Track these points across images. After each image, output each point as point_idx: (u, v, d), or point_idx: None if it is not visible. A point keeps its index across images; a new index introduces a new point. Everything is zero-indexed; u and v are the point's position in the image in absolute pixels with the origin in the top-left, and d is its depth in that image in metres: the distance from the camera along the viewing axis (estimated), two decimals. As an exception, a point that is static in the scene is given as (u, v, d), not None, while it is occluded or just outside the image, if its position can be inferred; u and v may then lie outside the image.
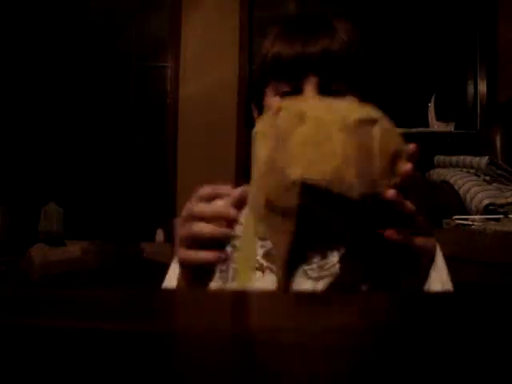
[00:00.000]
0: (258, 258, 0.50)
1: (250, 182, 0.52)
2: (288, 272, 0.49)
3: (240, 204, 0.54)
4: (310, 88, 0.69)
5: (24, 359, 0.21)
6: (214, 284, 0.56)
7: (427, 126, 2.96)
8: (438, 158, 2.27)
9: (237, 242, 0.55)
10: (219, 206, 0.55)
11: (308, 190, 0.47)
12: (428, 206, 0.55)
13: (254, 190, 0.51)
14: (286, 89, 0.71)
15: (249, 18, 3.19)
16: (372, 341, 0.24)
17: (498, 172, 2.03)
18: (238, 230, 0.55)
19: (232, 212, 0.54)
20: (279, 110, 0.51)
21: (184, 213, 0.57)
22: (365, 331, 0.26)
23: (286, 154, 0.48)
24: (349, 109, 0.50)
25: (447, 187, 2.02)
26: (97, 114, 3.35)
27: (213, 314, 0.30)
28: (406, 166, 0.50)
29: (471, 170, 2.07)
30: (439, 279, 0.65)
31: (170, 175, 3.20)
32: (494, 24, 3.09)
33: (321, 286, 0.67)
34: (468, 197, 1.90)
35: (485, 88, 3.11)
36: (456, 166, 2.15)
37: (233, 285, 0.68)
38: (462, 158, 2.15)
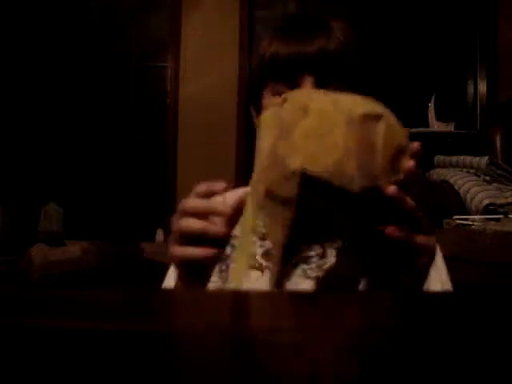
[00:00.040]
0: (258, 257, 0.50)
1: (252, 174, 0.52)
2: (284, 258, 0.50)
3: (238, 205, 0.54)
4: (306, 88, 0.69)
5: (24, 359, 0.21)
6: (214, 284, 0.56)
7: (427, 126, 2.96)
8: (438, 158, 2.27)
9: (236, 242, 0.55)
10: (213, 202, 0.55)
11: (308, 182, 0.47)
12: (428, 206, 0.55)
13: (255, 181, 0.51)
14: (283, 89, 0.71)
15: (249, 18, 3.19)
16: (372, 341, 0.24)
17: (498, 172, 2.03)
18: (238, 230, 0.55)
19: (226, 209, 0.54)
20: (284, 102, 0.52)
21: (178, 209, 0.57)
22: (365, 331, 0.26)
23: (289, 146, 0.49)
24: (354, 103, 0.50)
25: (447, 187, 2.02)
26: (97, 114, 3.35)
27: (213, 314, 0.30)
28: (409, 163, 0.50)
29: (471, 170, 2.07)
30: (439, 279, 0.66)
31: (170, 175, 3.20)
32: (494, 24, 3.09)
33: (320, 285, 0.67)
34: (468, 197, 1.90)
35: (485, 88, 3.11)
36: (456, 166, 2.16)
37: (232, 285, 0.68)
38: (462, 158, 2.15)
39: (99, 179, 3.33)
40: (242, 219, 0.54)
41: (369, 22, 3.02)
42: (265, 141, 0.51)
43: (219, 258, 0.56)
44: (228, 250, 0.55)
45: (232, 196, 0.55)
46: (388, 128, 0.49)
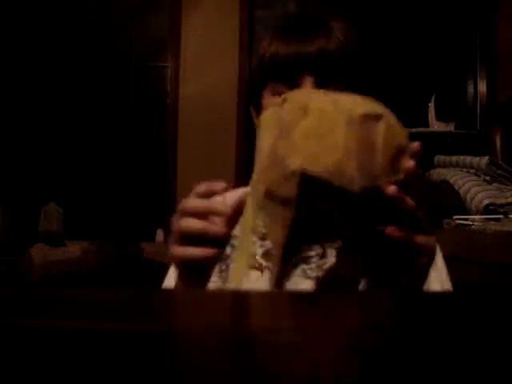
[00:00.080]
0: (258, 257, 0.50)
1: (252, 174, 0.52)
2: (284, 258, 0.50)
3: (238, 205, 0.54)
4: (306, 88, 0.69)
5: (24, 359, 0.21)
6: (214, 284, 0.56)
7: (427, 126, 2.96)
8: (438, 158, 2.27)
9: (236, 242, 0.55)
10: (213, 202, 0.55)
11: (308, 182, 0.47)
12: (428, 206, 0.55)
13: (255, 181, 0.51)
14: (283, 89, 0.71)
15: (249, 18, 3.19)
16: (372, 341, 0.24)
17: (498, 172, 2.03)
18: (238, 230, 0.55)
19: (226, 209, 0.54)
20: (284, 102, 0.52)
21: (178, 209, 0.57)
22: (365, 331, 0.26)
23: (289, 146, 0.49)
24: (354, 103, 0.50)
25: (447, 187, 2.02)
26: (97, 114, 3.35)
27: (213, 314, 0.30)
28: (409, 163, 0.50)
29: (471, 170, 2.07)
30: (438, 279, 0.66)
31: (170, 175, 3.20)
32: (494, 24, 3.09)
33: (320, 285, 0.67)
34: (468, 197, 1.90)
35: (485, 88, 3.11)
36: (456, 165, 2.16)
37: (232, 285, 0.68)
38: (461, 157, 2.15)
39: (99, 179, 3.33)
40: (242, 219, 0.54)
41: (369, 22, 3.02)
42: (265, 141, 0.51)
43: (219, 258, 0.56)
44: (228, 249, 0.55)
45: (232, 196, 0.55)
46: (388, 128, 0.49)
